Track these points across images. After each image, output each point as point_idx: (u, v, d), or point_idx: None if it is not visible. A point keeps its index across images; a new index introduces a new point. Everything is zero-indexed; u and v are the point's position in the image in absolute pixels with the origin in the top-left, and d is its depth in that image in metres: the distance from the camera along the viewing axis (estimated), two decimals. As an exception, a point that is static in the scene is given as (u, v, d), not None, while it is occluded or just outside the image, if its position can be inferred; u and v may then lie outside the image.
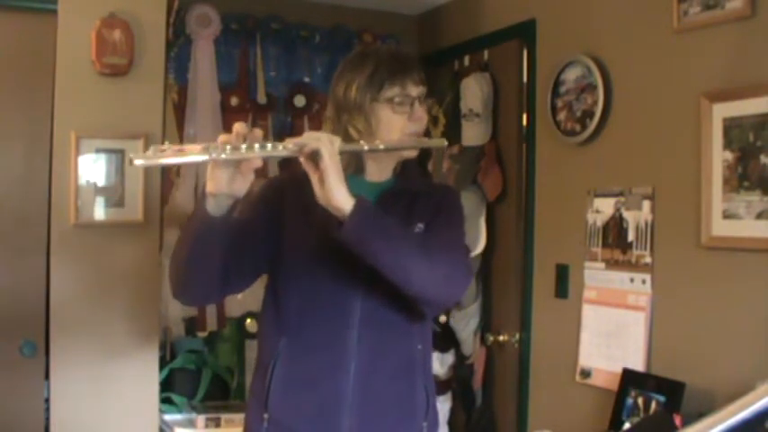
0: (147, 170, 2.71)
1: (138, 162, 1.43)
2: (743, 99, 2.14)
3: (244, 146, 1.46)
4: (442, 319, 3.34)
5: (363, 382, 1.66)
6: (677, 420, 2.07)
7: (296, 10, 3.45)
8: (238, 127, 1.48)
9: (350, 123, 1.70)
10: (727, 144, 2.19)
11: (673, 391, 2.24)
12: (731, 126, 2.18)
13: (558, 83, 2.82)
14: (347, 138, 1.69)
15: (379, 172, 1.76)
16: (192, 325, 3.22)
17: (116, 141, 2.70)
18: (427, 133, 1.93)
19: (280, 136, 3.41)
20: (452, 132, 3.33)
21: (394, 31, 3.68)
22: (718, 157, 2.21)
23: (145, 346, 2.74)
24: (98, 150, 2.68)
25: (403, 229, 1.62)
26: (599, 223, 2.64)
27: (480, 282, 3.27)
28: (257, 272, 1.77)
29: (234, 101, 3.33)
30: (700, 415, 1.11)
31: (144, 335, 2.74)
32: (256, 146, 1.46)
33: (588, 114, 2.68)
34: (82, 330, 2.64)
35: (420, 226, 1.70)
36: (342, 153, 1.53)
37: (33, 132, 2.78)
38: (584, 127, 2.70)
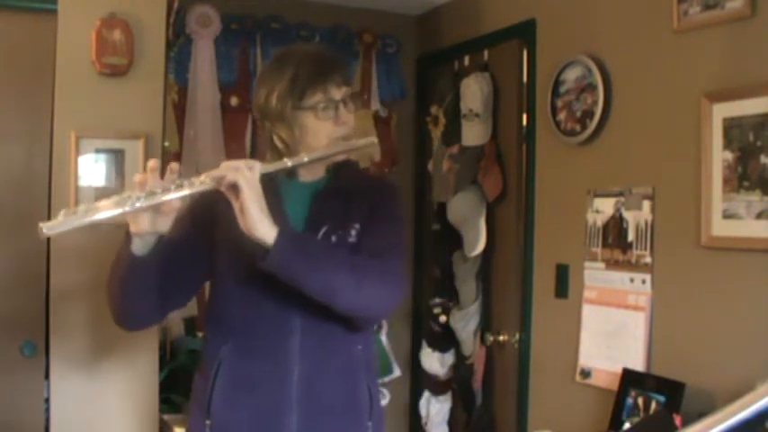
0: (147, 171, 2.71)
1: (48, 230, 1.39)
2: (743, 99, 2.14)
3: (159, 190, 1.45)
4: (443, 318, 3.34)
5: (307, 385, 1.64)
6: (677, 420, 2.07)
7: (296, 10, 3.45)
8: (152, 164, 1.48)
9: (273, 132, 1.66)
10: (727, 144, 2.19)
11: (673, 391, 2.24)
12: (731, 126, 2.18)
13: (558, 83, 2.82)
14: (273, 147, 1.68)
15: (312, 172, 1.73)
16: (191, 325, 3.22)
17: (116, 141, 2.69)
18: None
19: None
20: (452, 132, 3.34)
21: (394, 31, 3.69)
22: (718, 157, 2.21)
23: (145, 346, 2.73)
24: (98, 150, 2.68)
25: (328, 253, 1.59)
26: (599, 223, 2.64)
27: (480, 282, 3.27)
28: (197, 286, 1.77)
29: (234, 101, 3.34)
30: (700, 415, 1.11)
31: (144, 335, 2.72)
32: (172, 187, 1.46)
33: (588, 114, 2.68)
34: (82, 330, 2.63)
35: (356, 227, 1.67)
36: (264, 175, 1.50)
37: (33, 132, 2.78)
38: (584, 127, 2.70)
